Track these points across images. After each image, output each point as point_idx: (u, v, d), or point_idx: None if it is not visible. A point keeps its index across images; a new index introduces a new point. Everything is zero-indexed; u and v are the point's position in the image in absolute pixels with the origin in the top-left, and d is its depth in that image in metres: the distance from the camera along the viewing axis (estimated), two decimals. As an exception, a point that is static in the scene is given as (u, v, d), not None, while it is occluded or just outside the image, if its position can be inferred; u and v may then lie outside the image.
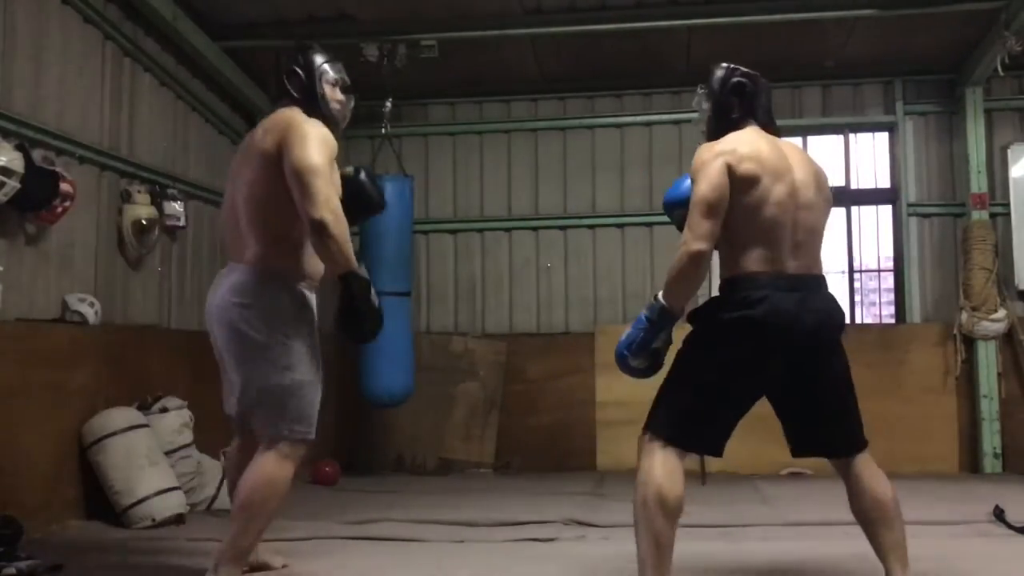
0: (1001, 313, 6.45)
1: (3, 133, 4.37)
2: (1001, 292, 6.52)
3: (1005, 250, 6.64)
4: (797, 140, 7.32)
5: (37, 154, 4.54)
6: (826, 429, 2.91)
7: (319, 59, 3.12)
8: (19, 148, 4.34)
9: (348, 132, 7.42)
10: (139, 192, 5.48)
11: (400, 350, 6.23)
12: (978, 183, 6.59)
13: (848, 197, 7.23)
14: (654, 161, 7.20)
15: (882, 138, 7.28)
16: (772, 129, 3.01)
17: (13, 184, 4.19)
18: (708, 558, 3.72)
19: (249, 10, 6.09)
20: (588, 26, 6.12)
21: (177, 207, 5.83)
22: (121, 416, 4.70)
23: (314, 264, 3.03)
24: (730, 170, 2.74)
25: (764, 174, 2.76)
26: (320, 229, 2.73)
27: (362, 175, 3.19)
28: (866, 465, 2.92)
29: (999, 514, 4.34)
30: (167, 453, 4.85)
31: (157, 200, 5.65)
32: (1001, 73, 5.96)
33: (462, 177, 7.37)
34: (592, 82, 7.23)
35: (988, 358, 6.47)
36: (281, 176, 2.80)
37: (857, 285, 7.28)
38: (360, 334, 3.00)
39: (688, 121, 7.19)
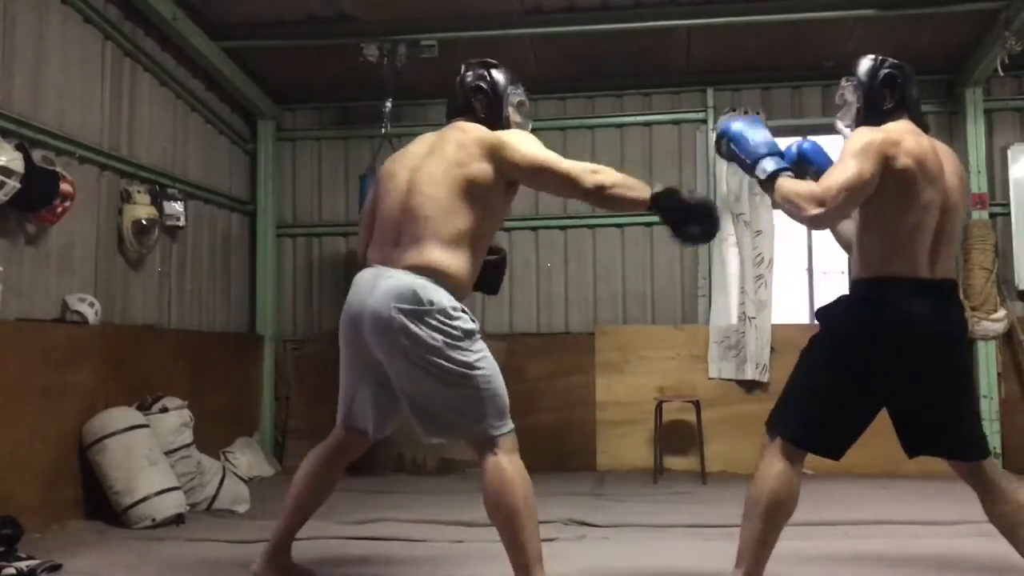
0: (1001, 313, 6.45)
1: (3, 133, 4.37)
2: (1001, 292, 6.52)
3: (1005, 250, 6.64)
4: (797, 140, 7.31)
5: (37, 154, 4.55)
6: (955, 434, 2.90)
7: (504, 79, 3.11)
8: (19, 148, 4.34)
9: (348, 132, 7.49)
10: (139, 192, 5.48)
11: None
12: (978, 183, 6.59)
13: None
14: (654, 161, 7.20)
15: (882, 138, 7.27)
16: (922, 122, 2.96)
17: (13, 184, 4.19)
18: (708, 558, 3.72)
19: (249, 10, 6.09)
20: (588, 26, 6.12)
21: (177, 207, 5.84)
22: (121, 416, 4.70)
23: (473, 275, 2.93)
24: (887, 162, 2.70)
25: (920, 174, 2.73)
26: (602, 195, 2.75)
27: (500, 256, 3.20)
28: (997, 469, 2.92)
29: None
30: (167, 453, 4.85)
31: (157, 200, 5.65)
32: (1001, 73, 5.96)
33: (462, 177, 7.36)
34: (592, 82, 7.22)
35: (988, 358, 6.46)
36: (476, 190, 2.78)
37: (857, 285, 7.27)
38: (701, 231, 2.87)
39: (688, 121, 7.20)
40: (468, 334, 2.77)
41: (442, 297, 2.73)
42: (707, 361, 6.76)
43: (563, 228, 7.24)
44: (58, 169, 4.63)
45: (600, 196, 2.75)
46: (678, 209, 2.80)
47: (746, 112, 6.90)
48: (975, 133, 6.64)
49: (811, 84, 7.11)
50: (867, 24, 6.15)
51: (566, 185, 2.77)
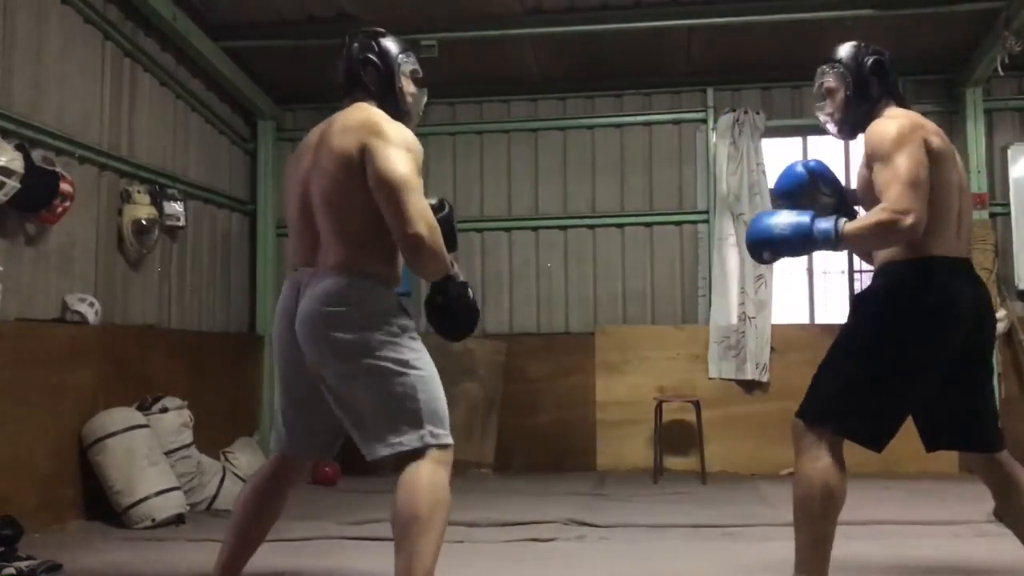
0: (1001, 313, 6.44)
1: (3, 133, 4.37)
2: (1001, 292, 6.52)
3: (1005, 250, 6.64)
4: (797, 140, 7.33)
5: (37, 154, 4.55)
6: (977, 422, 2.84)
7: (395, 48, 2.84)
8: (19, 148, 4.34)
9: (348, 132, 7.47)
10: (139, 192, 5.48)
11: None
12: (978, 183, 6.59)
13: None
14: (654, 161, 7.20)
15: (882, 138, 7.27)
16: (907, 107, 2.93)
17: (13, 184, 4.19)
18: (708, 558, 3.72)
19: (249, 10, 6.09)
20: (588, 26, 6.12)
21: (177, 207, 5.84)
22: (121, 416, 4.70)
23: (400, 268, 2.74)
24: (926, 144, 2.66)
25: (947, 153, 2.71)
26: (417, 245, 2.47)
27: (447, 210, 2.84)
28: (1013, 462, 2.84)
29: (1000, 514, 4.34)
30: (167, 453, 4.85)
31: (157, 200, 5.65)
32: (1001, 73, 5.96)
33: (462, 177, 7.36)
34: (592, 82, 7.22)
35: (988, 358, 6.46)
36: (364, 180, 2.52)
37: (857, 285, 7.27)
38: (457, 332, 2.85)
39: (688, 121, 7.20)
40: (404, 329, 2.59)
41: (373, 294, 2.56)
42: (707, 361, 6.76)
43: (563, 228, 7.24)
44: (58, 169, 4.63)
45: (415, 247, 2.48)
46: (451, 299, 2.73)
47: (745, 112, 6.91)
48: (975, 133, 6.64)
49: (811, 84, 7.04)
50: (867, 24, 6.14)
51: (397, 216, 2.47)
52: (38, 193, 4.43)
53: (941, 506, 4.79)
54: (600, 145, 7.25)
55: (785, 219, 2.75)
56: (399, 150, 2.53)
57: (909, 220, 2.52)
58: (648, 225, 7.14)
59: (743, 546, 3.99)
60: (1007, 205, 6.68)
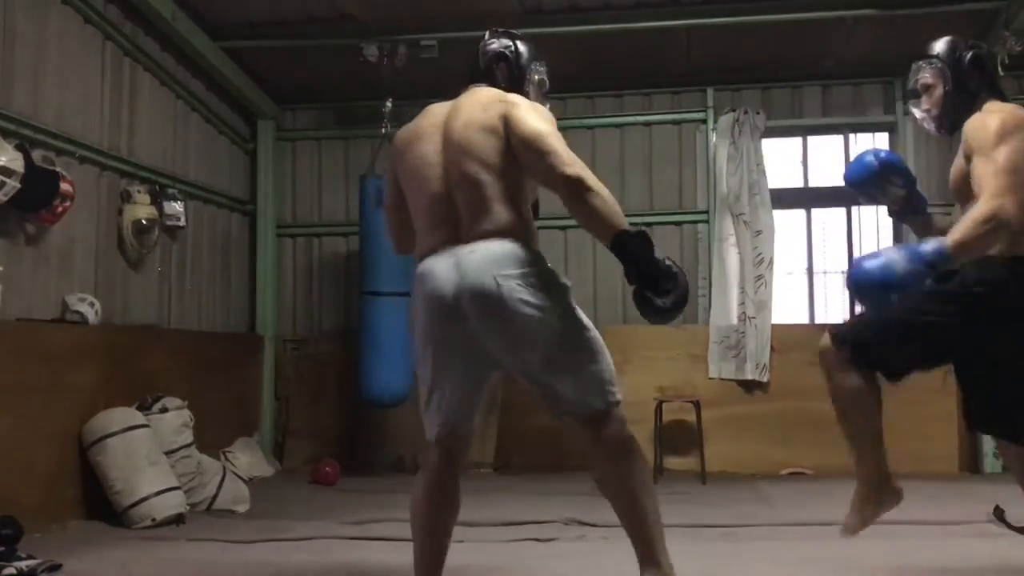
0: (1001, 313, 6.44)
1: (3, 133, 4.37)
2: (1001, 292, 6.51)
3: (1005, 250, 6.63)
4: (797, 140, 7.33)
5: (37, 154, 4.55)
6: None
7: (529, 52, 2.90)
8: (19, 148, 4.34)
9: (348, 132, 7.48)
10: (139, 192, 5.48)
11: (400, 350, 6.22)
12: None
13: (848, 197, 7.22)
14: (654, 161, 7.20)
15: (882, 138, 7.28)
16: (1006, 101, 2.91)
17: (13, 184, 4.19)
18: (708, 558, 3.72)
19: (249, 10, 6.09)
20: (588, 26, 6.12)
21: (177, 207, 5.84)
22: (121, 416, 4.70)
23: None
24: None
25: None
26: (578, 185, 2.35)
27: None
28: None
29: (999, 514, 4.34)
30: (167, 453, 4.85)
31: (157, 200, 5.66)
32: (1001, 73, 5.93)
33: (462, 177, 7.36)
34: (592, 82, 7.22)
35: (988, 358, 6.46)
36: (508, 152, 2.51)
37: (857, 285, 7.27)
38: (663, 308, 2.38)
39: (688, 121, 7.20)
40: (569, 291, 2.53)
41: (539, 256, 2.51)
42: (707, 361, 6.75)
43: (563, 228, 7.24)
44: (58, 169, 4.63)
45: (577, 188, 2.35)
46: (648, 261, 2.35)
47: (745, 112, 6.91)
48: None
49: (811, 84, 7.11)
50: (867, 24, 6.15)
51: (552, 160, 2.41)
52: (38, 193, 4.43)
53: (941, 506, 4.78)
54: (600, 145, 7.24)
55: (894, 264, 2.62)
56: (538, 113, 2.60)
57: (1008, 209, 2.50)
58: (648, 225, 7.12)
59: (743, 546, 3.99)
60: (1007, 205, 6.67)
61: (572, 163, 2.39)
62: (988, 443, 6.37)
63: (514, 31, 2.96)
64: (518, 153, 2.50)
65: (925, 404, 6.53)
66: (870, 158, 3.10)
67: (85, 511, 4.61)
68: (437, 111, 2.70)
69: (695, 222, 7.09)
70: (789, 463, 6.46)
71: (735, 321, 6.72)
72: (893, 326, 2.76)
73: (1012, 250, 2.67)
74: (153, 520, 4.47)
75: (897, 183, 3.07)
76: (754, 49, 6.63)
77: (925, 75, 2.95)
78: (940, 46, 2.95)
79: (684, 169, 7.17)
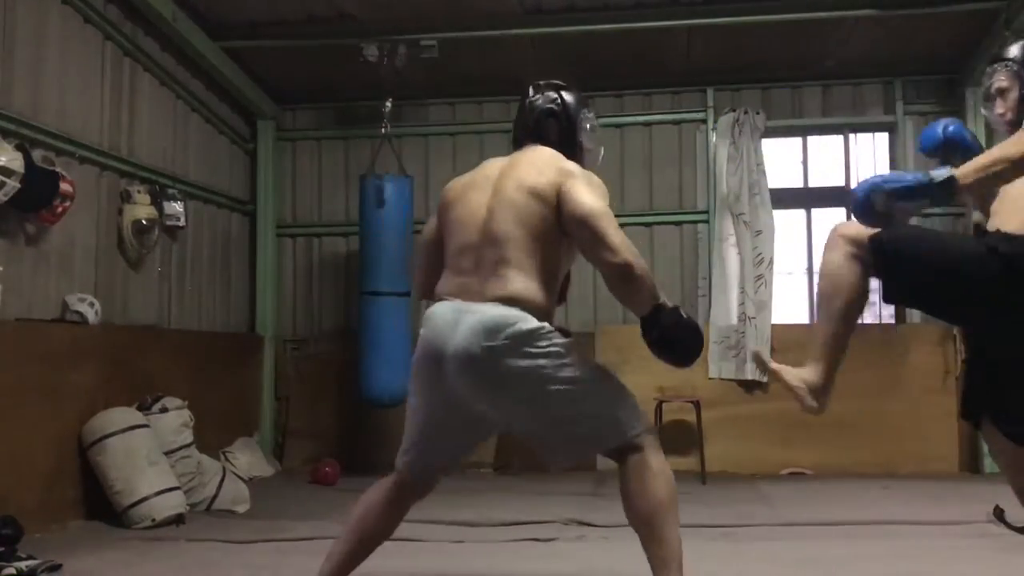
0: (1001, 313, 6.44)
1: (3, 133, 4.37)
2: (1001, 292, 6.51)
3: (1005, 250, 6.63)
4: (797, 140, 7.33)
5: (37, 154, 4.55)
6: None
7: (576, 102, 2.91)
8: (19, 148, 4.34)
9: (348, 132, 7.48)
10: (139, 192, 5.48)
11: (400, 350, 6.23)
12: (978, 183, 6.58)
13: (848, 197, 7.23)
14: (654, 161, 7.19)
15: (882, 138, 7.28)
16: None
17: (13, 184, 4.19)
18: (708, 558, 3.71)
19: (249, 10, 6.09)
20: (588, 26, 6.12)
21: (177, 207, 5.84)
22: (121, 416, 4.70)
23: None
24: None
25: None
26: (627, 273, 2.48)
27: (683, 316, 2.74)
28: None
29: (999, 514, 4.34)
30: (167, 453, 4.85)
31: (157, 200, 5.65)
32: (1001, 73, 5.95)
33: (462, 177, 7.36)
34: (592, 82, 7.19)
35: (988, 358, 6.46)
36: (554, 219, 2.56)
37: (857, 285, 7.27)
38: (685, 359, 2.79)
39: (688, 121, 7.20)
40: (567, 349, 2.56)
41: (531, 322, 2.52)
42: (707, 361, 6.75)
43: (563, 228, 7.24)
44: (58, 169, 4.63)
45: (626, 275, 2.48)
46: (665, 328, 2.67)
47: (745, 112, 6.92)
48: (975, 133, 6.63)
49: (811, 84, 7.11)
50: (867, 24, 6.15)
51: (603, 244, 2.49)
52: (38, 193, 4.43)
53: (941, 506, 4.78)
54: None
55: (896, 173, 2.69)
56: (594, 189, 2.59)
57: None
58: (648, 225, 7.14)
59: (743, 546, 3.99)
60: (1007, 205, 6.66)
61: (623, 249, 2.47)
62: (988, 443, 6.37)
63: (557, 81, 2.98)
64: (569, 227, 2.56)
65: (925, 404, 6.53)
66: (939, 129, 3.08)
67: (85, 511, 4.61)
68: (493, 165, 2.81)
69: (695, 222, 7.09)
70: (789, 463, 6.46)
71: (735, 321, 6.72)
72: (932, 248, 2.67)
73: None
74: (153, 520, 4.47)
75: (955, 162, 3.03)
76: (754, 49, 6.63)
77: (1001, 78, 2.88)
78: (1017, 49, 2.87)
79: (684, 169, 7.17)
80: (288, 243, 7.51)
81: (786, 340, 6.65)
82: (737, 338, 6.69)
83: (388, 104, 6.48)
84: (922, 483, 5.60)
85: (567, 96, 2.91)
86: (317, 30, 6.25)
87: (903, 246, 2.69)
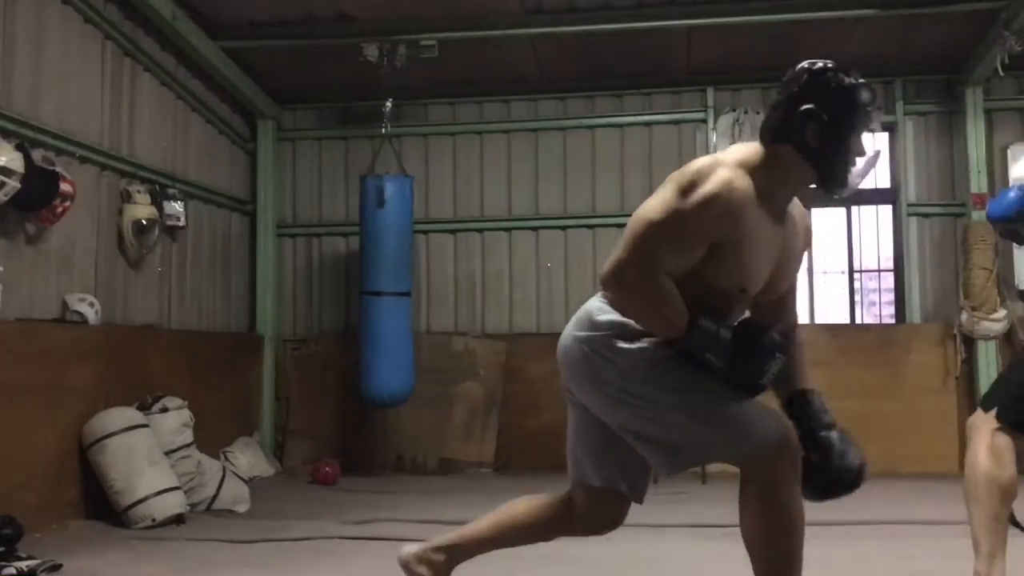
0: (1001, 313, 6.44)
1: (3, 133, 4.37)
2: (1001, 292, 6.51)
3: (1005, 250, 6.62)
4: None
5: (37, 154, 4.54)
6: None
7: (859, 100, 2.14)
8: (19, 148, 4.34)
9: (348, 132, 7.48)
10: (139, 192, 5.48)
11: (400, 350, 6.23)
12: (978, 183, 6.58)
13: (848, 197, 7.22)
14: (654, 161, 7.19)
15: (882, 138, 7.27)
16: None
17: (13, 184, 4.19)
18: (708, 558, 3.72)
19: (249, 10, 6.09)
20: (588, 26, 6.11)
21: (177, 207, 5.84)
22: (121, 416, 4.70)
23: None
24: None
25: None
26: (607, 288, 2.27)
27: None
28: None
29: (1011, 517, 4.34)
30: (167, 453, 4.85)
31: (157, 200, 5.65)
32: (1001, 73, 5.95)
33: (462, 177, 7.36)
34: (592, 82, 7.22)
35: (988, 358, 6.46)
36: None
37: (857, 285, 7.27)
38: (756, 375, 2.23)
39: (688, 121, 7.19)
40: (647, 360, 2.23)
41: (618, 318, 2.26)
42: (707, 361, 6.74)
43: (563, 228, 7.24)
44: (58, 169, 4.63)
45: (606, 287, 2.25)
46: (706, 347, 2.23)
47: (746, 112, 6.91)
48: (975, 133, 6.64)
49: (811, 84, 7.09)
50: (867, 24, 6.15)
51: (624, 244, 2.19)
52: (38, 193, 4.42)
53: (941, 506, 4.78)
54: (600, 145, 7.24)
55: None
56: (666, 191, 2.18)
57: None
58: (648, 225, 7.13)
59: (743, 546, 3.98)
60: (1007, 205, 6.66)
61: (610, 262, 2.23)
62: (988, 443, 6.37)
63: (835, 67, 2.20)
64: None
65: (925, 404, 6.53)
66: (1015, 193, 3.15)
67: (85, 511, 4.61)
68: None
69: (695, 222, 7.07)
70: (789, 463, 6.45)
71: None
72: None
73: None
74: (153, 520, 4.47)
75: None
76: (754, 49, 6.63)
77: None
78: None
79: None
80: (288, 243, 7.51)
81: (786, 340, 6.64)
82: (737, 338, 6.67)
83: (388, 104, 6.48)
84: (922, 483, 5.59)
85: (846, 86, 2.15)
86: (317, 30, 6.24)
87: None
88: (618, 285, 2.19)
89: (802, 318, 7.37)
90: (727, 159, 2.16)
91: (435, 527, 4.40)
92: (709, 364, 2.19)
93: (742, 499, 2.29)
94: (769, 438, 2.19)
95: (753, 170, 2.14)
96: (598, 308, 2.31)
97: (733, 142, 6.89)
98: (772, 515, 2.26)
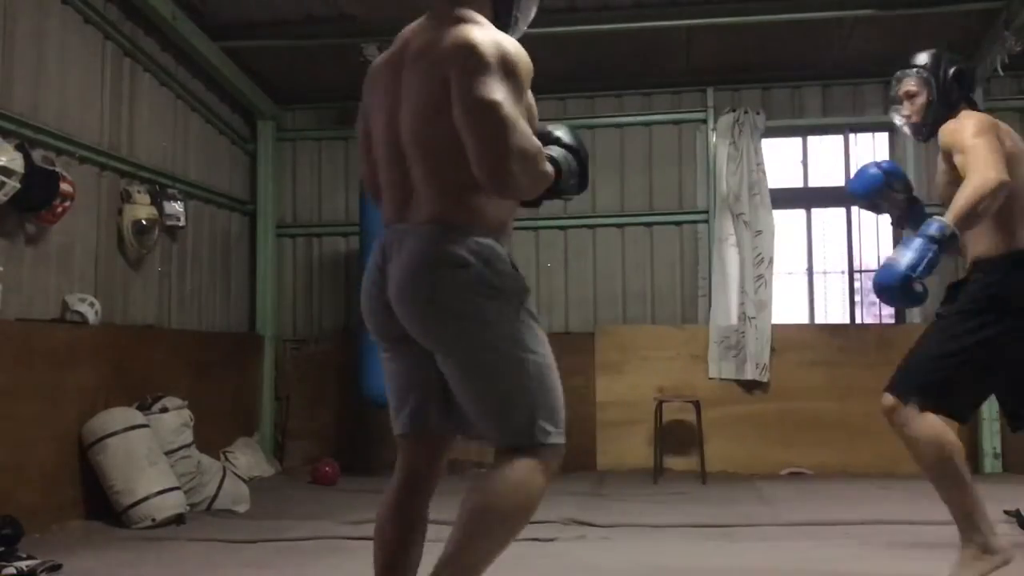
0: (1000, 313, 6.44)
1: (3, 133, 4.37)
2: (1001, 292, 6.51)
3: (1005, 250, 6.63)
4: (797, 140, 7.33)
5: (37, 154, 4.54)
6: None
7: None
8: (19, 148, 4.34)
9: (348, 132, 7.47)
10: (139, 192, 5.48)
11: (400, 350, 6.23)
12: (978, 183, 6.59)
13: (848, 197, 7.23)
14: (654, 161, 7.20)
15: (882, 138, 7.28)
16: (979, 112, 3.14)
17: (13, 184, 4.19)
18: (708, 558, 3.72)
19: (249, 10, 6.09)
20: (588, 26, 6.12)
21: (177, 207, 5.84)
22: (121, 416, 4.70)
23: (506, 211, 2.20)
24: (1000, 142, 2.89)
25: (1018, 154, 2.97)
26: (503, 187, 2.04)
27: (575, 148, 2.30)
28: None
29: (1016, 513, 4.36)
30: (167, 453, 4.85)
31: (157, 200, 5.65)
32: (1001, 73, 5.96)
33: (462, 177, 7.36)
34: (592, 82, 7.22)
35: (988, 358, 6.46)
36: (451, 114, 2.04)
37: (857, 285, 7.27)
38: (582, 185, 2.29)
39: (688, 121, 7.19)
40: (521, 301, 2.11)
41: (482, 249, 2.06)
42: (707, 361, 6.75)
43: (563, 228, 7.24)
44: (58, 169, 4.63)
45: (509, 191, 2.05)
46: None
47: (746, 112, 6.91)
48: (976, 132, 6.63)
49: (811, 84, 7.10)
50: (867, 24, 6.15)
51: (484, 157, 1.98)
52: (38, 193, 4.42)
53: (941, 506, 4.78)
54: (600, 145, 7.24)
55: (904, 252, 2.78)
56: (494, 74, 2.03)
57: (994, 178, 2.70)
58: (648, 225, 7.14)
59: (743, 546, 3.99)
60: (1007, 205, 6.67)
61: (527, 139, 2.09)
62: (988, 443, 6.38)
63: None
64: (462, 118, 2.11)
65: (925, 404, 6.54)
66: (874, 169, 3.26)
67: (85, 511, 4.61)
68: (401, 43, 2.44)
69: (695, 222, 7.09)
70: (789, 463, 6.46)
71: (735, 321, 6.72)
72: (942, 360, 2.90)
73: (1008, 246, 2.89)
74: (153, 520, 4.47)
75: (899, 190, 3.25)
76: (754, 49, 6.63)
77: (910, 83, 3.13)
78: (926, 57, 3.14)
79: (684, 169, 7.17)
80: (288, 243, 7.51)
81: (786, 340, 6.65)
82: (737, 338, 6.69)
83: (388, 104, 6.48)
84: (922, 483, 5.56)
85: None
86: (317, 30, 6.24)
87: (924, 380, 2.90)
88: (512, 175, 1.99)
89: (802, 318, 7.39)
90: (470, 30, 2.11)
91: (435, 527, 4.41)
92: (579, 182, 2.25)
93: (493, 474, 2.09)
94: (560, 431, 2.14)
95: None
96: (450, 240, 2.06)
97: (733, 142, 6.90)
98: (518, 499, 2.09)
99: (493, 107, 1.99)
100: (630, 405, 6.69)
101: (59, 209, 4.61)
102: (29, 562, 3.50)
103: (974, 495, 2.89)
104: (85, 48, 5.15)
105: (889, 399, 2.93)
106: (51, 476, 4.43)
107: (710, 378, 6.73)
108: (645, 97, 7.29)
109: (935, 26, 6.11)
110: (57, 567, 3.54)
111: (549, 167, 2.12)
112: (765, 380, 6.63)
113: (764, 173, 6.86)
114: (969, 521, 2.89)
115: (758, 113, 6.92)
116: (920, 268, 2.71)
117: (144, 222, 5.44)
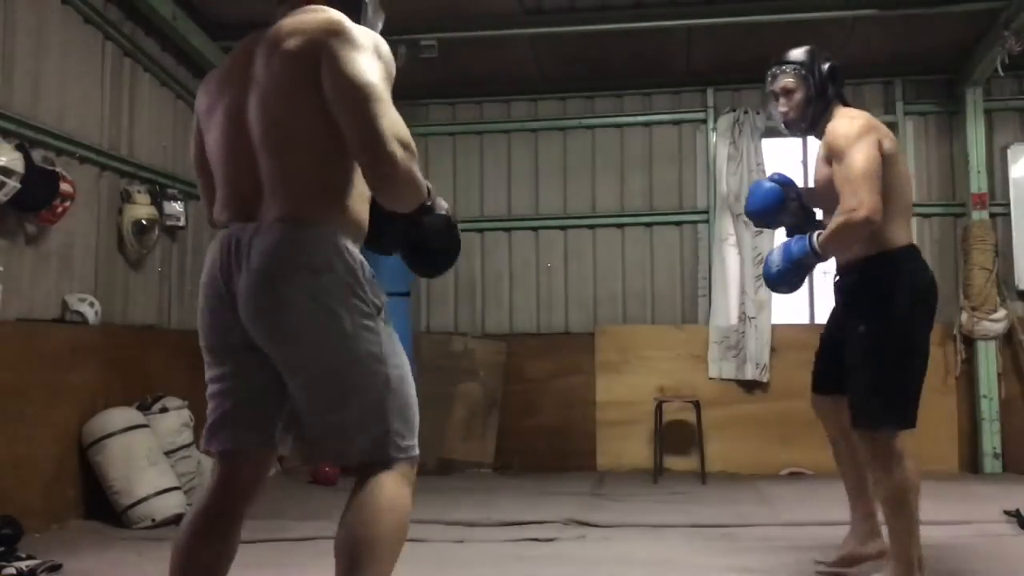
0: (1001, 313, 6.45)
1: (3, 133, 4.37)
2: (1001, 292, 6.52)
3: (1005, 250, 6.64)
4: (797, 140, 7.32)
5: (37, 154, 4.54)
6: None
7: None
8: (19, 148, 4.34)
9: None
10: (139, 192, 5.48)
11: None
12: (978, 183, 6.59)
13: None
14: (654, 161, 7.20)
15: (882, 138, 7.28)
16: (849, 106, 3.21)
17: (13, 184, 4.19)
18: (708, 558, 3.72)
19: (249, 10, 6.07)
20: (588, 26, 6.12)
21: (177, 207, 5.83)
22: (121, 416, 4.70)
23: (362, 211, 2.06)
24: (879, 144, 2.93)
25: (897, 154, 3.00)
26: (389, 172, 1.90)
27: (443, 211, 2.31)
28: None
29: (1016, 513, 4.36)
30: (167, 453, 4.86)
31: (157, 200, 5.65)
32: (1001, 73, 5.96)
33: (462, 177, 7.36)
34: (592, 82, 7.22)
35: (988, 358, 6.47)
36: (319, 99, 1.94)
37: (857, 285, 7.27)
38: (433, 271, 2.37)
39: (688, 121, 7.20)
40: (377, 308, 1.97)
41: (341, 254, 1.93)
42: (707, 361, 6.76)
43: (563, 228, 7.24)
44: (58, 169, 4.63)
45: (385, 171, 1.87)
46: (434, 234, 2.25)
47: (746, 112, 6.92)
48: (975, 133, 6.64)
49: (811, 84, 7.09)
50: (867, 24, 6.15)
51: (360, 131, 1.86)
52: (38, 193, 4.42)
53: (941, 506, 4.78)
54: (600, 145, 7.25)
55: (779, 261, 3.07)
56: (366, 54, 1.95)
57: (862, 213, 2.80)
58: (648, 225, 7.14)
59: (743, 546, 3.99)
60: (1007, 205, 6.67)
61: (387, 140, 1.91)
62: (988, 443, 6.38)
63: None
64: (330, 102, 2.03)
65: (925, 404, 6.51)
66: (769, 184, 3.34)
67: (85, 511, 4.61)
68: (246, 44, 2.43)
69: (695, 222, 7.09)
70: (789, 463, 6.46)
71: (735, 321, 6.72)
72: (913, 376, 3.00)
73: (890, 244, 2.97)
74: (153, 520, 4.47)
75: (794, 198, 3.31)
76: (754, 49, 6.62)
77: (788, 80, 3.18)
78: (801, 55, 3.20)
79: (684, 169, 7.17)
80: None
81: (786, 340, 6.65)
82: (737, 338, 6.69)
83: (388, 104, 6.48)
84: (922, 483, 5.58)
85: None
86: (317, 30, 6.24)
87: (913, 396, 2.99)
88: (407, 154, 1.89)
89: (802, 318, 7.38)
90: (334, 13, 2.11)
91: (434, 527, 4.41)
92: (435, 243, 2.26)
93: (359, 498, 1.96)
94: (414, 442, 2.03)
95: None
96: (305, 241, 1.91)
97: (733, 142, 6.91)
98: (395, 516, 1.98)
99: (371, 86, 1.89)
100: (630, 405, 6.69)
101: (59, 209, 4.61)
102: (29, 562, 3.50)
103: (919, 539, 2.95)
104: (85, 48, 5.15)
105: (882, 435, 2.95)
106: (51, 476, 4.43)
107: (710, 378, 6.73)
108: (645, 97, 7.29)
109: (935, 26, 6.11)
110: (57, 567, 3.54)
111: (423, 179, 2.02)
112: (765, 380, 6.64)
113: (764, 173, 6.86)
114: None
115: (758, 113, 6.92)
116: (785, 279, 3.06)
117: (144, 222, 5.44)
